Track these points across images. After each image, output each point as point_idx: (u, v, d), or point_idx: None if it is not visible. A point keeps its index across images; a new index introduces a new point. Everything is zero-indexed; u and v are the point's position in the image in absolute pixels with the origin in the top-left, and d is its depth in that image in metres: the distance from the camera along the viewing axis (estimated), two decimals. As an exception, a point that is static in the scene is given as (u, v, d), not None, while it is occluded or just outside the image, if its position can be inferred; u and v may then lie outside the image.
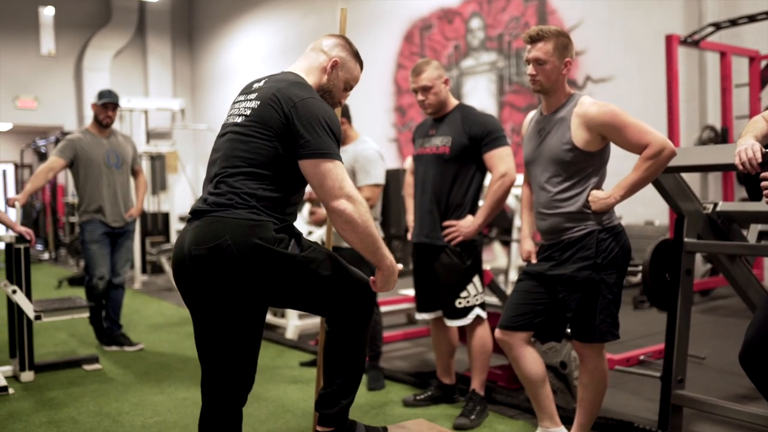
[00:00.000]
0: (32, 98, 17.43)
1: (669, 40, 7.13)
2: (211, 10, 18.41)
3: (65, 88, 17.88)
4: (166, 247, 9.93)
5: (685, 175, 3.44)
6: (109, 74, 17.86)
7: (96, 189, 5.46)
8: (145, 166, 10.81)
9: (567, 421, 3.30)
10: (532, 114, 3.21)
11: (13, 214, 13.04)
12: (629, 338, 5.20)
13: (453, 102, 3.82)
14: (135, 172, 5.85)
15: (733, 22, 7.25)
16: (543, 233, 3.09)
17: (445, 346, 3.98)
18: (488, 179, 3.76)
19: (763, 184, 2.27)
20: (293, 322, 5.87)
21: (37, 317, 4.47)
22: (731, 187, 7.55)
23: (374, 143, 4.39)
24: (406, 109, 12.10)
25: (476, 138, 3.66)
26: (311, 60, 2.51)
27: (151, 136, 11.57)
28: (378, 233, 2.29)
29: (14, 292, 4.54)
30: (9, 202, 4.95)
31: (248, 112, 2.34)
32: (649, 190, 3.36)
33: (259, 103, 2.33)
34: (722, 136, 7.58)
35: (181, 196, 12.17)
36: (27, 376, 4.67)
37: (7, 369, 4.81)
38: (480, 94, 10.78)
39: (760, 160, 2.29)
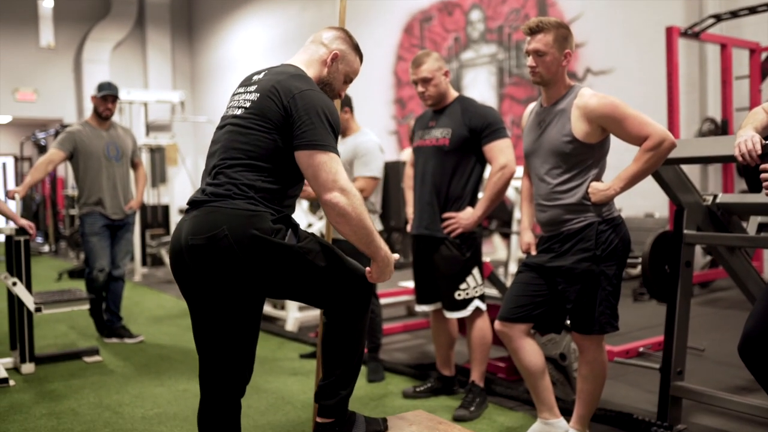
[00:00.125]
0: (32, 91, 17.40)
1: (669, 32, 7.11)
2: (211, 1, 18.37)
3: (65, 81, 17.85)
4: (165, 240, 9.94)
5: (684, 167, 3.44)
6: (109, 66, 17.83)
7: (96, 181, 5.45)
8: (144, 158, 10.79)
9: (566, 413, 3.31)
10: (532, 106, 3.21)
11: (13, 207, 13.03)
12: (629, 330, 5.21)
13: (453, 94, 3.81)
14: (135, 165, 5.85)
15: (734, 14, 7.23)
16: (543, 225, 3.09)
17: (445, 338, 3.98)
18: (488, 171, 3.76)
19: (763, 176, 2.27)
20: (293, 315, 5.88)
21: (38, 309, 4.47)
22: (731, 179, 7.55)
23: (375, 136, 4.38)
24: (406, 102, 12.08)
25: (476, 130, 3.65)
26: (311, 52, 2.51)
27: (150, 128, 11.54)
28: (372, 225, 2.28)
29: (14, 284, 4.54)
30: (9, 195, 4.95)
31: (247, 104, 2.34)
32: (649, 182, 3.35)
33: (258, 95, 2.33)
34: (722, 128, 7.57)
35: (181, 188, 12.16)
36: (27, 368, 4.68)
37: (8, 361, 4.82)
38: (480, 87, 10.77)
39: (759, 151, 2.29)
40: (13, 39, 17.05)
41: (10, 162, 19.23)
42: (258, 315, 2.38)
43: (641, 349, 4.39)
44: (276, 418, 3.72)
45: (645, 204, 7.79)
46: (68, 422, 3.70)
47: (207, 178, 2.37)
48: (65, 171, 15.21)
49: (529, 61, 2.95)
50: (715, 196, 3.44)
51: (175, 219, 11.00)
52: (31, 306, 4.48)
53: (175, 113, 12.37)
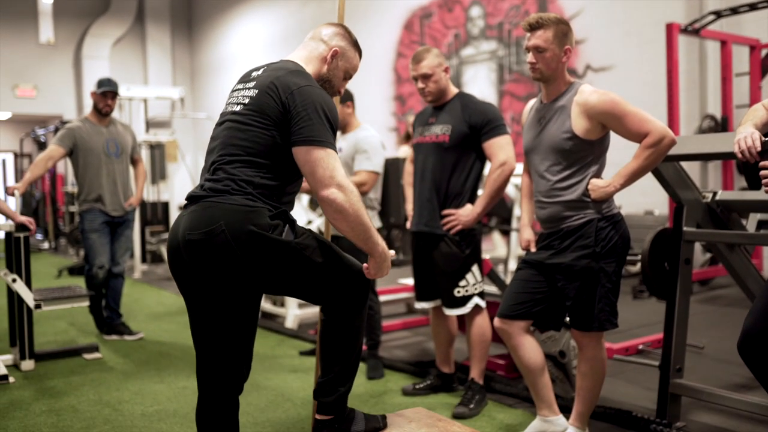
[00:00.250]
0: (31, 87, 17.39)
1: (669, 28, 7.11)
2: (211, -2, 18.36)
3: (64, 77, 17.84)
4: (165, 237, 9.92)
5: (684, 164, 3.44)
6: (109, 63, 17.81)
7: (95, 178, 5.45)
8: (144, 155, 10.79)
9: (566, 410, 3.31)
10: (532, 102, 3.20)
11: (13, 203, 13.04)
12: (628, 327, 5.21)
13: (453, 90, 3.81)
14: (134, 161, 5.84)
15: (734, 11, 7.22)
16: (542, 222, 3.09)
17: (444, 335, 3.98)
18: (488, 168, 3.75)
19: (763, 173, 2.26)
20: (293, 312, 5.88)
21: (37, 306, 4.47)
22: (731, 176, 7.55)
23: (376, 132, 4.39)
24: (405, 98, 12.08)
25: (476, 126, 3.65)
26: (311, 49, 2.51)
27: (150, 124, 11.54)
28: (369, 221, 2.28)
29: (14, 281, 4.54)
30: (8, 191, 4.95)
31: (246, 100, 2.34)
32: (649, 179, 3.35)
33: (257, 91, 2.32)
34: (722, 125, 7.56)
35: (181, 185, 12.16)
36: (27, 364, 4.68)
37: (8, 358, 4.82)
38: (480, 83, 10.76)
39: (759, 148, 2.28)
40: (13, 35, 17.03)
41: (9, 158, 19.23)
42: (255, 311, 2.38)
43: (641, 347, 4.39)
44: (276, 415, 3.72)
45: (645, 201, 7.79)
46: (68, 419, 3.71)
47: (206, 174, 2.37)
48: (65, 168, 15.21)
49: (529, 57, 2.95)
50: (715, 194, 3.44)
51: (174, 216, 10.99)
52: (31, 303, 4.48)
53: (175, 110, 12.37)
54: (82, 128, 5.47)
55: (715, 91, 7.89)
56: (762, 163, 2.27)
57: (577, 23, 8.98)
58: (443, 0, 11.35)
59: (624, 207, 7.07)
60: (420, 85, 3.74)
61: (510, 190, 7.27)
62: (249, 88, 2.37)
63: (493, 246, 9.13)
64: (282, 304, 6.07)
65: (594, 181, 2.93)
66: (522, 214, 3.37)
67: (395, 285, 6.37)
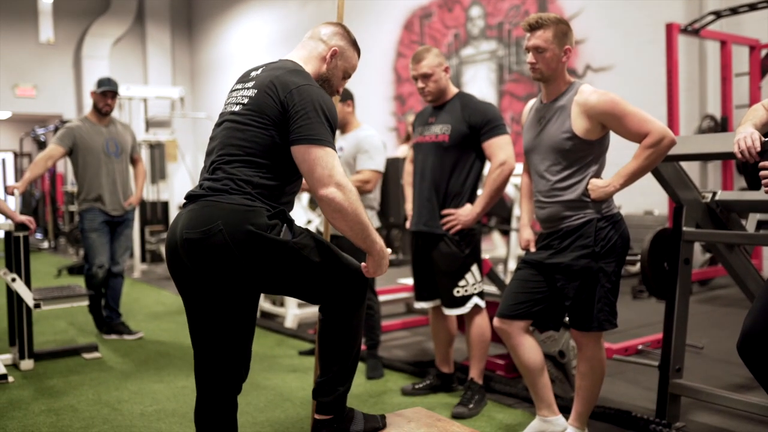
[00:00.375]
0: (31, 86, 17.39)
1: (669, 28, 7.11)
2: (211, -3, 18.36)
3: (64, 77, 17.83)
4: (165, 236, 9.91)
5: (684, 164, 3.44)
6: (108, 62, 17.81)
7: (95, 177, 5.45)
8: (144, 154, 10.78)
9: (565, 410, 3.31)
10: (531, 102, 3.20)
11: (13, 203, 13.04)
12: (628, 328, 5.21)
13: (453, 90, 3.81)
14: (134, 161, 5.84)
15: (734, 11, 7.22)
16: (542, 222, 3.09)
17: (444, 335, 3.98)
18: (487, 168, 3.75)
19: (762, 173, 2.26)
20: (292, 311, 5.88)
21: (37, 305, 4.47)
22: (730, 177, 7.55)
23: (376, 132, 4.39)
24: (405, 98, 12.07)
25: (476, 126, 3.65)
26: (310, 49, 2.51)
27: (150, 124, 11.52)
28: (368, 220, 2.28)
29: (14, 280, 4.54)
30: (8, 190, 4.94)
31: (245, 100, 2.34)
32: (648, 179, 3.35)
33: (256, 91, 2.32)
34: (722, 126, 7.56)
35: (181, 184, 12.14)
36: (26, 364, 4.68)
37: (7, 357, 4.82)
38: (480, 83, 10.75)
39: (759, 148, 2.28)
40: (13, 34, 17.03)
41: (9, 158, 19.21)
42: (253, 311, 2.38)
43: (640, 347, 4.39)
44: (275, 414, 3.72)
45: (644, 201, 7.79)
46: (67, 419, 3.70)
47: (205, 174, 2.37)
48: (65, 167, 15.20)
49: (529, 57, 2.94)
50: (714, 194, 3.44)
51: (174, 215, 10.98)
52: (30, 302, 4.47)
53: (175, 109, 12.35)
54: (81, 128, 5.46)
55: (715, 92, 7.89)
56: (762, 164, 2.27)
57: (577, 23, 8.98)
58: (443, 0, 11.35)
59: (623, 207, 7.06)
60: (420, 84, 3.73)
61: (510, 190, 7.27)
62: (248, 88, 2.36)
63: (493, 246, 9.12)
64: (281, 304, 6.07)
65: (594, 181, 2.93)
66: (521, 213, 3.37)
67: (395, 285, 6.37)
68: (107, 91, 5.45)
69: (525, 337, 3.08)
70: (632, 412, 3.36)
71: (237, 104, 2.37)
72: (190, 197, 2.33)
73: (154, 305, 7.26)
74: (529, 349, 3.08)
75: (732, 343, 2.44)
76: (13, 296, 4.75)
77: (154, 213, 11.27)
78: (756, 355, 2.28)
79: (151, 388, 4.22)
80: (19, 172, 18.42)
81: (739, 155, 2.33)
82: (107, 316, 5.67)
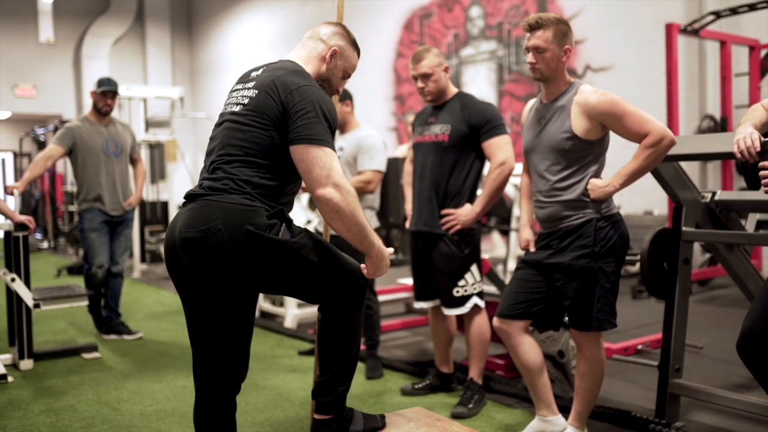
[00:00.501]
0: (31, 86, 17.38)
1: (669, 28, 7.11)
2: (210, -3, 18.36)
3: (64, 76, 17.83)
4: (164, 237, 9.90)
5: (683, 164, 3.44)
6: (108, 62, 17.80)
7: (95, 177, 5.45)
8: (144, 154, 10.78)
9: (564, 410, 3.31)
10: (531, 102, 3.20)
11: (12, 202, 13.03)
12: (627, 328, 5.22)
13: (453, 90, 3.81)
14: (134, 161, 5.84)
15: (734, 11, 7.22)
16: (541, 221, 3.09)
17: (444, 335, 3.98)
18: (487, 168, 3.75)
19: (762, 173, 2.26)
20: (292, 311, 5.88)
21: (36, 305, 4.47)
22: (730, 177, 7.55)
23: (376, 131, 4.39)
24: (405, 98, 12.07)
25: (475, 126, 3.65)
26: (310, 49, 2.51)
27: (150, 124, 11.53)
28: (366, 221, 2.27)
29: (13, 280, 4.54)
30: (8, 190, 4.94)
31: (246, 100, 2.34)
32: (648, 179, 3.35)
33: (256, 91, 2.32)
34: (722, 126, 7.56)
35: (180, 184, 12.12)
36: (26, 364, 4.68)
37: (7, 357, 4.82)
38: (479, 83, 10.75)
39: (758, 148, 2.28)
40: (13, 34, 17.02)
41: (9, 158, 19.21)
42: (252, 311, 2.38)
43: (640, 347, 4.39)
44: (274, 414, 3.72)
45: (644, 201, 7.78)
46: (67, 418, 3.70)
47: (204, 174, 2.37)
48: (64, 167, 15.20)
49: (529, 57, 2.94)
50: (714, 194, 3.44)
51: (174, 215, 10.97)
52: (30, 302, 4.47)
53: (175, 109, 12.36)
54: (81, 127, 5.46)
55: (715, 92, 7.89)
56: (761, 163, 2.27)
57: (576, 23, 8.98)
58: (443, 0, 11.35)
59: (623, 207, 7.08)
60: (420, 84, 3.74)
61: (509, 190, 7.27)
62: (248, 89, 2.36)
63: (493, 246, 9.12)
64: (281, 304, 6.07)
65: (593, 180, 2.93)
66: (521, 213, 3.37)
67: (394, 285, 6.37)
68: (107, 91, 5.45)
69: (524, 337, 3.08)
70: (632, 411, 3.36)
71: (237, 104, 2.36)
72: (190, 197, 2.33)
73: (154, 305, 7.26)
74: (529, 349, 3.08)
75: (731, 343, 2.44)
76: (12, 296, 4.75)
77: (154, 213, 11.27)
78: (756, 355, 2.28)
79: (151, 388, 4.22)
80: (18, 172, 18.41)
81: (739, 155, 2.33)
82: (107, 316, 5.67)
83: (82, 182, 5.47)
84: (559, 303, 3.03)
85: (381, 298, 5.64)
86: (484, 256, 4.14)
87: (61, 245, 14.63)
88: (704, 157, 3.62)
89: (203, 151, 2.56)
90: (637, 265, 3.62)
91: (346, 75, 2.58)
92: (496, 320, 3.12)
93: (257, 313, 6.15)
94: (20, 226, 4.59)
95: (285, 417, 3.67)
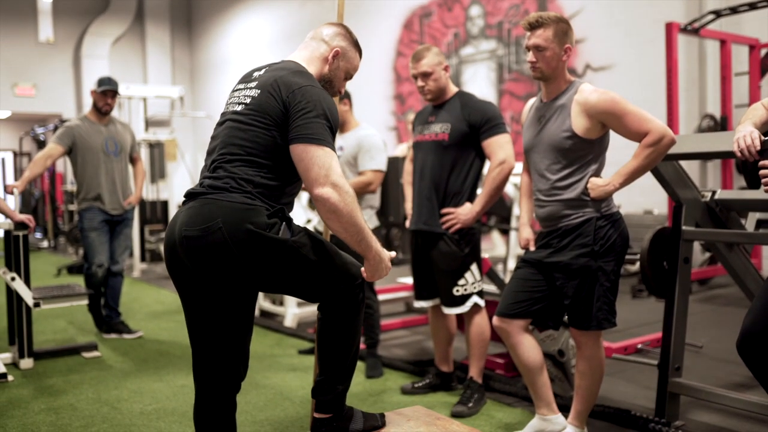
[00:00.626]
0: (31, 86, 17.38)
1: (669, 27, 7.11)
2: (210, -4, 18.36)
3: (64, 76, 17.82)
4: (164, 236, 9.90)
5: (683, 164, 3.44)
6: (108, 61, 17.80)
7: (94, 177, 5.45)
8: (143, 154, 10.78)
9: (564, 409, 3.31)
10: (532, 101, 3.20)
11: (12, 202, 13.03)
12: (627, 327, 5.22)
13: (453, 89, 3.81)
14: (133, 160, 5.84)
15: (734, 10, 7.22)
16: (541, 220, 3.09)
17: (443, 333, 3.98)
18: (487, 166, 3.75)
19: (762, 172, 2.26)
20: (292, 310, 5.88)
21: (36, 304, 4.47)
22: (730, 176, 7.55)
23: (375, 131, 4.39)
24: (405, 97, 12.07)
25: (475, 125, 3.65)
26: (312, 49, 2.51)
27: (149, 123, 11.51)
28: (364, 222, 2.26)
29: (13, 279, 4.54)
30: (7, 189, 4.94)
31: (248, 100, 2.34)
32: (648, 179, 3.35)
33: (259, 91, 2.32)
34: (721, 125, 7.56)
35: (180, 184, 12.10)
36: (26, 363, 4.68)
37: (7, 356, 4.82)
38: (479, 82, 10.75)
39: (758, 147, 2.28)
40: (12, 34, 17.02)
41: (9, 157, 19.21)
42: (251, 309, 2.38)
43: (639, 346, 4.39)
44: (274, 413, 3.72)
45: (644, 201, 7.79)
46: (67, 417, 3.70)
47: (205, 173, 2.37)
48: (64, 166, 15.20)
49: (529, 56, 2.94)
50: (714, 193, 3.44)
51: (174, 214, 10.94)
52: (30, 301, 4.47)
53: (175, 108, 12.35)
54: (81, 127, 5.46)
55: (715, 91, 7.89)
56: (761, 162, 2.27)
57: (576, 22, 8.98)
58: (443, -1, 11.36)
59: (623, 206, 7.07)
60: (420, 83, 3.74)
61: (509, 189, 7.27)
62: (251, 88, 2.36)
63: (493, 245, 9.13)
64: (281, 303, 6.07)
65: (593, 179, 2.93)
66: (521, 212, 3.37)
67: (394, 284, 6.37)
68: (107, 91, 5.44)
69: (524, 336, 3.08)
70: (631, 410, 3.36)
71: (239, 104, 2.37)
72: (190, 195, 2.33)
73: (154, 304, 7.26)
74: (529, 348, 3.08)
75: (731, 342, 2.44)
76: (12, 295, 4.75)
77: (154, 212, 11.26)
78: (756, 354, 2.29)
79: (151, 387, 4.22)
80: (18, 171, 18.41)
81: (739, 154, 2.33)
82: (107, 315, 5.67)
83: (81, 181, 5.47)
84: (558, 302, 3.04)
85: (381, 297, 5.64)
86: (484, 255, 4.14)
87: (61, 244, 14.63)
88: (704, 156, 3.62)
89: (203, 151, 2.56)
90: (637, 264, 3.62)
91: (348, 76, 2.59)
92: (495, 319, 3.12)
93: (257, 312, 6.16)
94: (20, 225, 4.59)
95: (285, 416, 3.67)
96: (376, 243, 2.32)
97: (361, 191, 4.22)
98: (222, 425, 2.41)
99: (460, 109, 3.70)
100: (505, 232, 8.19)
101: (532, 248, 3.15)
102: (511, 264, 6.94)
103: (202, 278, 2.26)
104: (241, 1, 16.81)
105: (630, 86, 8.28)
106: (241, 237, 2.17)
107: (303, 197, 6.23)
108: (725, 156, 3.22)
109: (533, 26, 2.91)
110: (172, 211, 10.95)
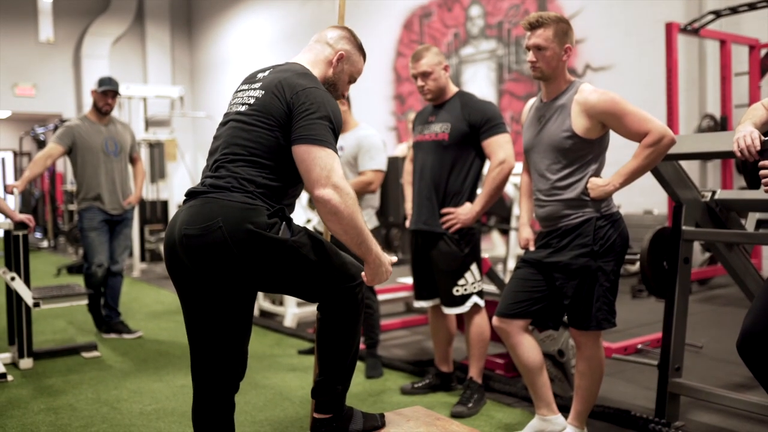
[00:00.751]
0: (31, 85, 17.38)
1: (669, 28, 7.11)
2: (210, -3, 18.36)
3: (64, 76, 17.83)
4: (164, 236, 9.90)
5: (683, 164, 3.43)
6: (108, 61, 17.81)
7: (94, 176, 5.45)
8: (143, 153, 10.77)
9: (564, 409, 3.31)
10: (532, 101, 3.20)
11: (12, 201, 13.02)
12: (627, 327, 5.21)
13: (453, 89, 3.81)
14: (133, 160, 5.84)
15: (734, 10, 7.22)
16: (541, 220, 3.09)
17: (443, 334, 3.98)
18: (487, 166, 3.75)
19: (762, 172, 2.26)
20: (292, 310, 5.88)
21: (36, 304, 4.47)
22: (730, 176, 7.55)
23: (375, 131, 4.39)
24: (405, 98, 12.07)
25: (475, 125, 3.65)
26: (317, 52, 2.52)
27: (149, 123, 11.52)
28: (364, 225, 2.25)
29: (13, 279, 4.54)
30: (7, 189, 4.94)
31: (252, 101, 2.34)
32: (648, 179, 3.35)
33: (263, 92, 2.33)
34: (721, 125, 7.56)
35: (180, 184, 12.10)
36: (26, 363, 4.68)
37: (6, 356, 4.82)
38: (479, 83, 10.75)
39: (758, 147, 2.28)
40: (13, 33, 17.02)
41: (9, 157, 19.20)
42: (250, 309, 2.38)
43: (639, 346, 4.39)
44: (274, 413, 3.71)
45: (644, 201, 7.79)
46: (66, 417, 3.70)
47: (207, 172, 2.37)
48: (64, 166, 15.19)
49: (530, 56, 2.94)
50: (714, 193, 3.44)
51: (174, 214, 10.93)
52: (30, 301, 4.47)
53: (175, 108, 12.35)
54: (81, 126, 5.46)
55: (715, 91, 7.89)
56: (761, 163, 2.26)
57: (576, 23, 8.97)
58: (443, -1, 11.36)
59: (623, 206, 7.06)
60: (419, 83, 3.73)
61: (509, 189, 7.27)
62: (255, 89, 2.37)
63: (492, 245, 9.13)
64: (281, 303, 6.07)
65: (593, 179, 2.93)
66: (521, 212, 3.37)
67: (394, 284, 6.37)
68: (108, 91, 5.44)
69: (524, 336, 3.08)
70: (631, 411, 3.36)
71: (243, 104, 2.37)
72: (191, 194, 2.33)
73: (154, 304, 7.26)
74: (529, 348, 3.08)
75: (731, 342, 2.44)
76: (12, 295, 4.75)
77: (154, 212, 11.26)
78: (756, 355, 2.28)
79: (150, 387, 4.22)
80: (18, 171, 18.41)
81: (739, 154, 2.33)
82: (106, 315, 5.67)
83: (81, 181, 5.47)
84: (558, 302, 3.03)
85: (381, 297, 5.64)
86: (484, 255, 4.14)
87: (60, 244, 14.63)
88: (704, 156, 3.62)
89: (203, 151, 2.57)
90: (637, 264, 3.62)
91: (352, 79, 2.60)
92: (495, 319, 3.12)
93: (257, 312, 6.16)
94: (20, 224, 4.58)
95: (284, 416, 3.67)
96: (376, 246, 2.31)
97: (362, 191, 4.22)
98: (221, 426, 2.41)
99: (460, 109, 3.69)
100: (504, 232, 8.19)
101: (531, 248, 3.15)
102: (511, 264, 6.94)
103: (201, 277, 2.26)
104: (241, 1, 16.81)
105: (630, 86, 8.28)
106: (240, 237, 2.17)
107: (303, 197, 6.22)
108: (725, 156, 3.22)
109: (533, 26, 2.91)
110: (172, 211, 10.95)
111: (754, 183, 3.24)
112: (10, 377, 4.41)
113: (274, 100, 2.28)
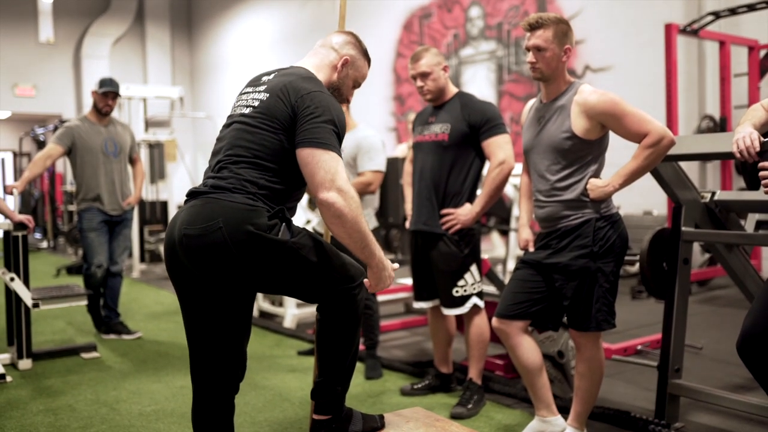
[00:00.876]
0: (31, 86, 17.38)
1: (668, 29, 7.11)
2: (210, -3, 18.36)
3: (64, 76, 17.82)
4: (164, 236, 9.90)
5: (683, 164, 3.43)
6: (108, 62, 17.81)
7: (94, 177, 5.45)
8: (143, 154, 10.78)
9: (564, 411, 3.31)
10: (531, 102, 3.20)
11: (12, 202, 13.03)
12: (627, 328, 5.21)
13: (452, 90, 3.81)
14: (133, 161, 5.84)
15: (733, 11, 7.22)
16: (541, 221, 3.09)
17: (443, 335, 3.98)
18: (487, 167, 3.75)
19: (762, 173, 2.26)
20: (291, 311, 5.88)
21: (35, 305, 4.46)
22: (729, 177, 7.55)
23: (374, 131, 4.39)
24: (405, 98, 12.07)
25: (475, 125, 3.65)
26: (322, 57, 2.52)
27: (149, 124, 11.52)
28: (368, 229, 2.25)
29: (12, 279, 4.54)
30: (7, 190, 4.94)
31: (256, 103, 2.34)
32: (647, 179, 3.35)
33: (267, 95, 2.33)
34: (721, 126, 7.56)
35: (180, 184, 12.11)
36: (25, 363, 4.67)
37: (5, 357, 4.82)
38: (479, 83, 10.75)
39: (758, 148, 2.28)
40: (13, 34, 17.02)
41: (8, 157, 19.20)
42: (249, 310, 2.38)
43: (639, 347, 4.39)
44: (273, 414, 3.71)
45: (643, 202, 7.78)
46: (65, 418, 3.70)
47: (209, 173, 2.36)
48: (64, 167, 15.19)
49: (529, 57, 2.94)
50: (713, 194, 3.44)
51: (173, 215, 10.93)
52: (29, 302, 4.47)
53: (174, 109, 12.35)
54: (81, 127, 5.46)
55: (714, 92, 7.89)
56: (761, 164, 2.26)
57: (576, 23, 8.97)
58: (443, 0, 11.35)
59: (622, 207, 7.09)
60: (419, 83, 3.73)
61: (509, 190, 7.27)
62: (259, 92, 2.37)
63: (492, 246, 9.13)
64: (280, 304, 6.07)
65: (593, 180, 2.93)
66: (521, 213, 3.37)
67: (394, 284, 6.36)
68: (108, 92, 5.44)
69: (524, 338, 3.08)
70: (631, 412, 3.36)
71: (247, 107, 2.37)
72: (193, 194, 2.33)
73: (153, 305, 7.26)
74: (528, 349, 3.08)
75: (731, 343, 2.44)
76: (11, 296, 4.75)
77: (153, 213, 11.27)
78: (756, 356, 2.28)
79: (150, 388, 4.21)
80: (18, 172, 18.40)
81: (738, 155, 2.33)
82: (106, 316, 5.67)
83: (81, 182, 5.47)
84: (558, 303, 3.03)
85: (380, 298, 5.64)
86: (484, 256, 4.14)
87: (60, 245, 14.62)
88: (703, 157, 3.62)
89: (203, 151, 2.57)
90: (637, 265, 3.62)
91: (357, 84, 2.61)
92: (495, 320, 3.12)
93: (256, 313, 6.16)
94: (19, 225, 4.58)
95: (284, 417, 3.67)
96: (379, 250, 2.31)
97: (361, 192, 4.22)
98: (220, 427, 2.40)
99: (459, 110, 3.69)
100: (504, 233, 8.19)
101: (531, 249, 3.15)
102: (511, 265, 6.94)
103: (201, 278, 2.25)
104: (241, 2, 16.81)
105: (629, 87, 8.28)
106: (240, 238, 2.17)
107: (303, 198, 6.22)
108: (724, 157, 3.22)
109: (533, 27, 2.92)
110: (172, 212, 10.95)
111: (753, 184, 3.23)
112: (9, 378, 4.41)
113: (279, 103, 2.28)
